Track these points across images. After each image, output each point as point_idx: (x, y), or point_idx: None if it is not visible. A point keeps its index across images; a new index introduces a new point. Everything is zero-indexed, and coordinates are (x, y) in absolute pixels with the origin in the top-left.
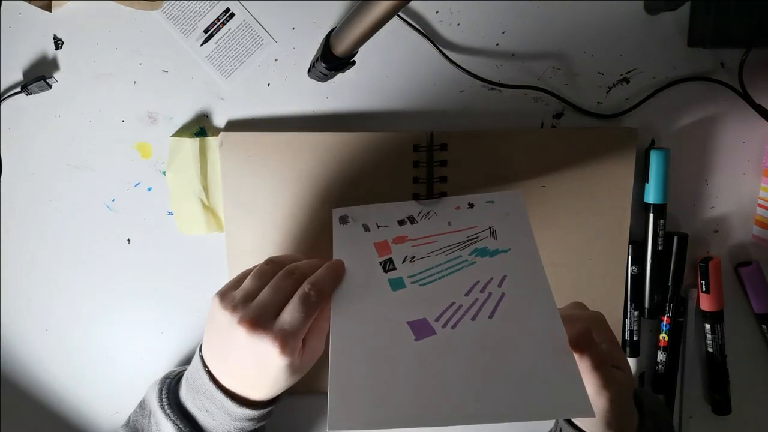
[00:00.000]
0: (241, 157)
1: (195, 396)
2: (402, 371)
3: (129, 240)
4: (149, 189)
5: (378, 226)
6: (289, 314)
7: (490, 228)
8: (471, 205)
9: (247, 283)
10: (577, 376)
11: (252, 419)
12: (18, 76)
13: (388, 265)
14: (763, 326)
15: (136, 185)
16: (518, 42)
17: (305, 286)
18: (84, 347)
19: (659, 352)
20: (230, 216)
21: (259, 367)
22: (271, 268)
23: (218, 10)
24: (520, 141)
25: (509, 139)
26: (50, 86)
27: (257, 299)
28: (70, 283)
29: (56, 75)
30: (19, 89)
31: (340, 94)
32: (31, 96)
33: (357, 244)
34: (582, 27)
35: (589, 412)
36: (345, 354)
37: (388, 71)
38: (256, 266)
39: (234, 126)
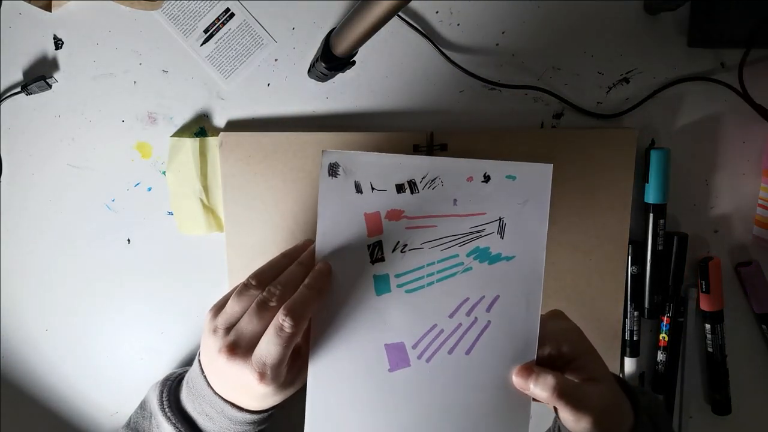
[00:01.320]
0: (241, 157)
1: (195, 400)
2: (371, 406)
3: (129, 240)
4: (149, 189)
5: (372, 188)
6: (265, 346)
7: (500, 220)
8: (487, 178)
9: (229, 306)
10: None
11: (252, 423)
12: (18, 76)
13: (376, 253)
14: (763, 326)
15: (136, 185)
16: (518, 42)
17: (279, 317)
18: (84, 347)
19: (659, 352)
20: (230, 216)
21: (244, 389)
22: (253, 286)
23: (218, 10)
24: (520, 141)
25: (509, 139)
26: (50, 86)
27: (236, 327)
28: (70, 283)
29: (56, 75)
30: (19, 89)
31: (340, 94)
32: (31, 96)
33: (345, 210)
34: (582, 27)
35: None
36: (323, 380)
37: (388, 71)
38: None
39: (234, 126)
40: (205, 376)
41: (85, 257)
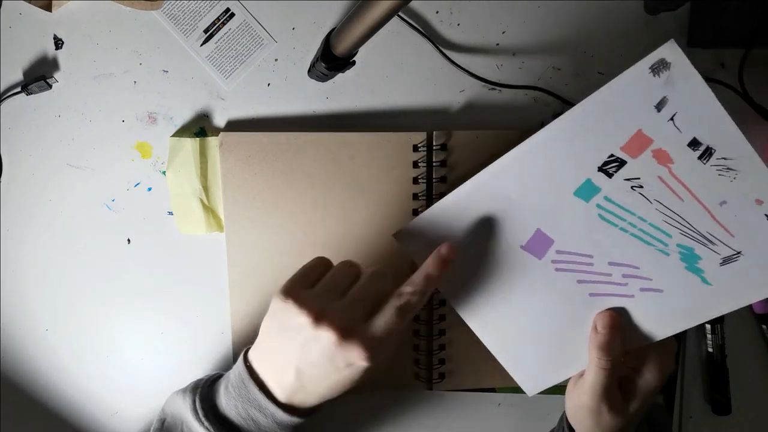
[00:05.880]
0: (241, 157)
1: (239, 405)
2: (489, 268)
3: (129, 240)
4: (149, 189)
5: (672, 119)
6: (383, 320)
7: (738, 253)
8: None
9: (329, 281)
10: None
11: (296, 426)
12: (18, 76)
13: (611, 166)
14: (763, 326)
15: (136, 185)
16: (518, 42)
17: (406, 289)
18: (84, 347)
19: None
20: (230, 216)
21: (336, 372)
22: (352, 270)
23: (218, 10)
24: (520, 141)
25: (509, 139)
26: (50, 86)
27: (345, 302)
28: (70, 283)
29: (56, 75)
30: (19, 89)
31: (340, 94)
32: (31, 96)
33: (628, 111)
34: (582, 27)
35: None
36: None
37: (388, 71)
38: (318, 261)
39: (234, 126)
40: (254, 379)
41: (85, 257)
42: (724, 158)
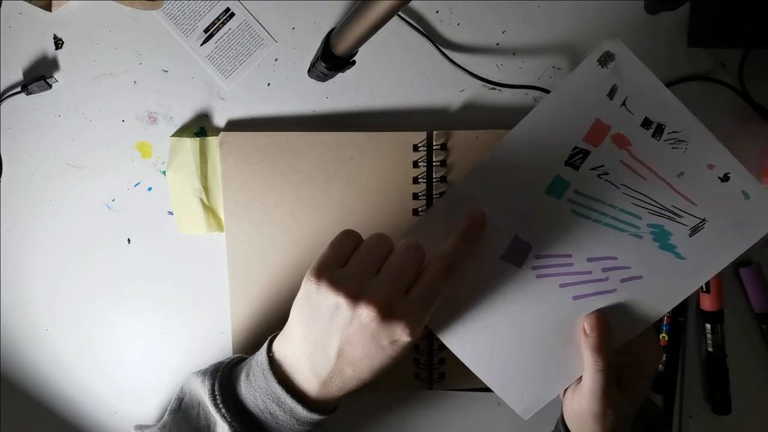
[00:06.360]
0: (241, 157)
1: (258, 396)
2: (470, 280)
3: (129, 240)
4: (149, 189)
5: (623, 104)
6: (421, 291)
7: (702, 220)
8: (725, 178)
9: (362, 258)
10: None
11: (316, 423)
12: (18, 76)
13: (576, 158)
14: (763, 326)
15: (136, 185)
16: (518, 41)
17: (440, 263)
18: (84, 347)
19: None
20: (230, 216)
21: (378, 352)
22: (385, 246)
23: (218, 10)
24: None
25: None
26: (50, 86)
27: (381, 278)
28: (70, 283)
29: (56, 75)
30: (19, 89)
31: (340, 94)
32: (31, 96)
33: (582, 101)
34: (582, 27)
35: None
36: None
37: (388, 71)
38: (346, 235)
39: (234, 126)
40: (275, 371)
41: (85, 257)
42: (674, 131)
